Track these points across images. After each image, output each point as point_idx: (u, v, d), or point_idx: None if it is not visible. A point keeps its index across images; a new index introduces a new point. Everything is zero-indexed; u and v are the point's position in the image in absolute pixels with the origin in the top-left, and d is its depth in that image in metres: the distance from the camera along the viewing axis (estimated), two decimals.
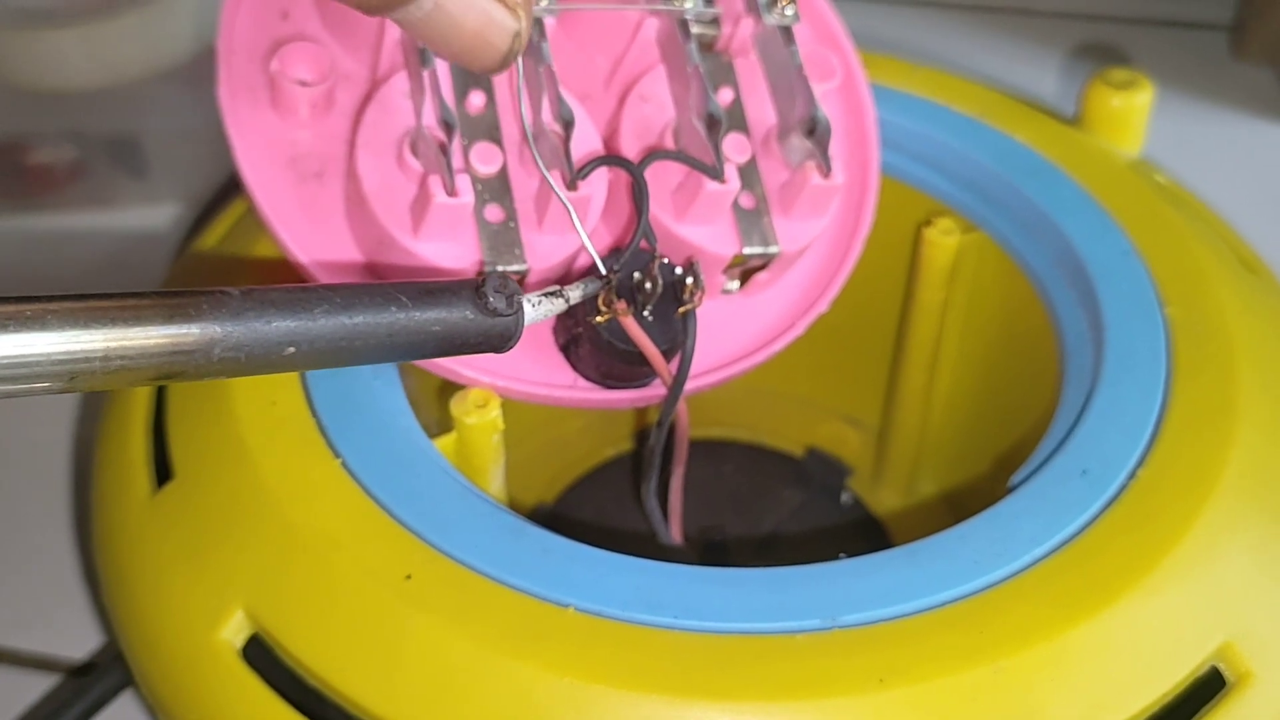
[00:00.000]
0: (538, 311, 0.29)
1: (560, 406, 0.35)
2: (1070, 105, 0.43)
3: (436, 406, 0.36)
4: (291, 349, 0.25)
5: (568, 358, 0.35)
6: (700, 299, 0.33)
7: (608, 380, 0.35)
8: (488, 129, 0.34)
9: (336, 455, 0.31)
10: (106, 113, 0.62)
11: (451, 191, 0.32)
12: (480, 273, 0.33)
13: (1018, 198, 0.39)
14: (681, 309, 0.33)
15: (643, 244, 0.32)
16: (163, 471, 0.33)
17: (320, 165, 0.35)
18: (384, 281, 0.27)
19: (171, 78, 0.61)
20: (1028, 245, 0.39)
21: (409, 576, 0.28)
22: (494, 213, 0.33)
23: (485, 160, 0.34)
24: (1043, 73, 0.64)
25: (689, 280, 0.33)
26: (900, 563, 0.29)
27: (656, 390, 0.35)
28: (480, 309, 0.27)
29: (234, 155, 0.34)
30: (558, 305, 0.29)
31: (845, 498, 0.47)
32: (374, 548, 0.29)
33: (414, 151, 0.33)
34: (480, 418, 0.33)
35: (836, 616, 0.28)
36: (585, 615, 0.28)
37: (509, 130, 0.34)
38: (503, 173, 0.34)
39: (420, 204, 0.32)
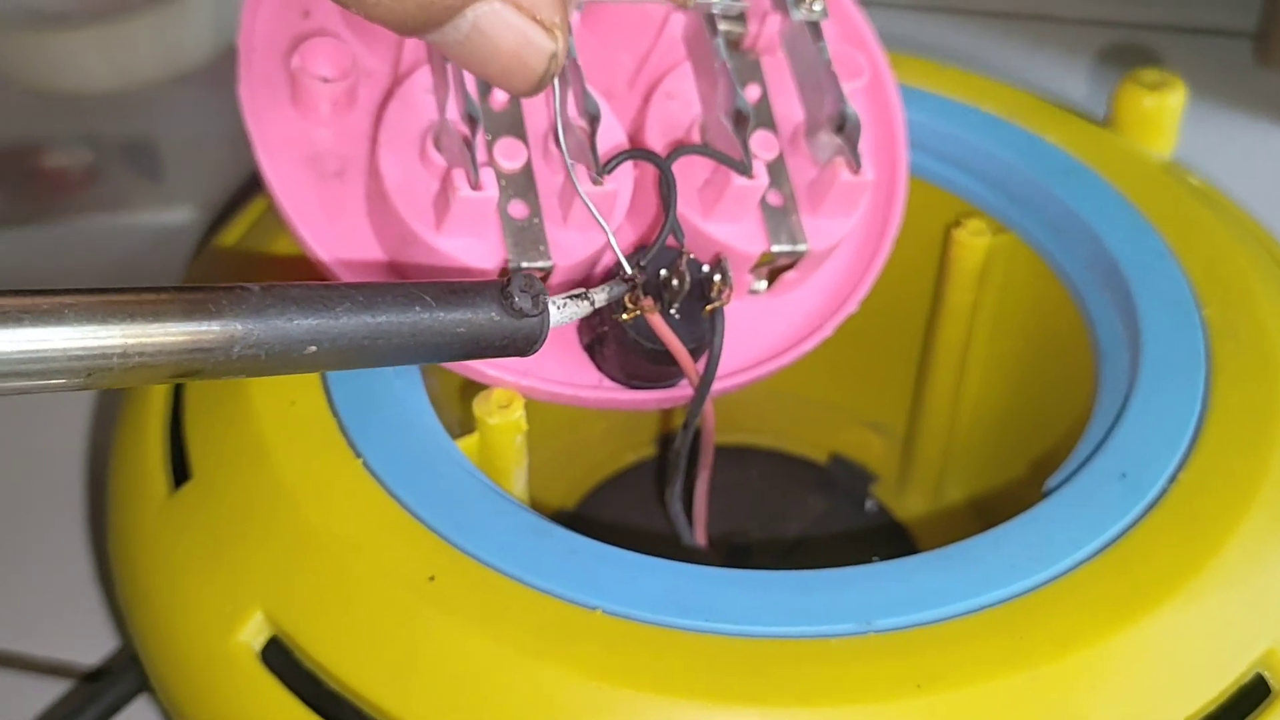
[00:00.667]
0: (563, 314, 0.28)
1: (585, 407, 0.35)
2: (1097, 112, 0.42)
3: (459, 406, 0.36)
4: (313, 348, 0.24)
5: (592, 357, 0.34)
6: (728, 297, 0.32)
7: (633, 381, 0.34)
8: (511, 124, 0.34)
9: (358, 455, 0.31)
10: (122, 116, 0.62)
11: (476, 185, 0.31)
12: (505, 271, 0.32)
13: (1049, 198, 0.38)
14: (709, 307, 0.32)
15: (670, 241, 0.32)
16: (180, 472, 0.33)
17: (341, 164, 0.35)
18: (408, 280, 0.26)
19: (188, 80, 0.61)
20: (1059, 247, 0.38)
21: (432, 578, 0.28)
22: (518, 209, 0.33)
23: (509, 155, 0.33)
24: (1067, 80, 0.64)
25: (717, 278, 0.32)
26: (935, 566, 0.28)
27: (683, 391, 0.34)
28: (506, 310, 0.26)
29: (255, 153, 0.34)
30: (583, 308, 0.29)
31: (870, 505, 0.47)
32: (396, 549, 0.29)
33: (437, 146, 0.33)
34: (503, 418, 0.32)
35: (871, 621, 0.27)
36: (613, 617, 0.27)
37: (533, 125, 0.34)
38: (527, 168, 0.33)
39: (443, 199, 0.32)
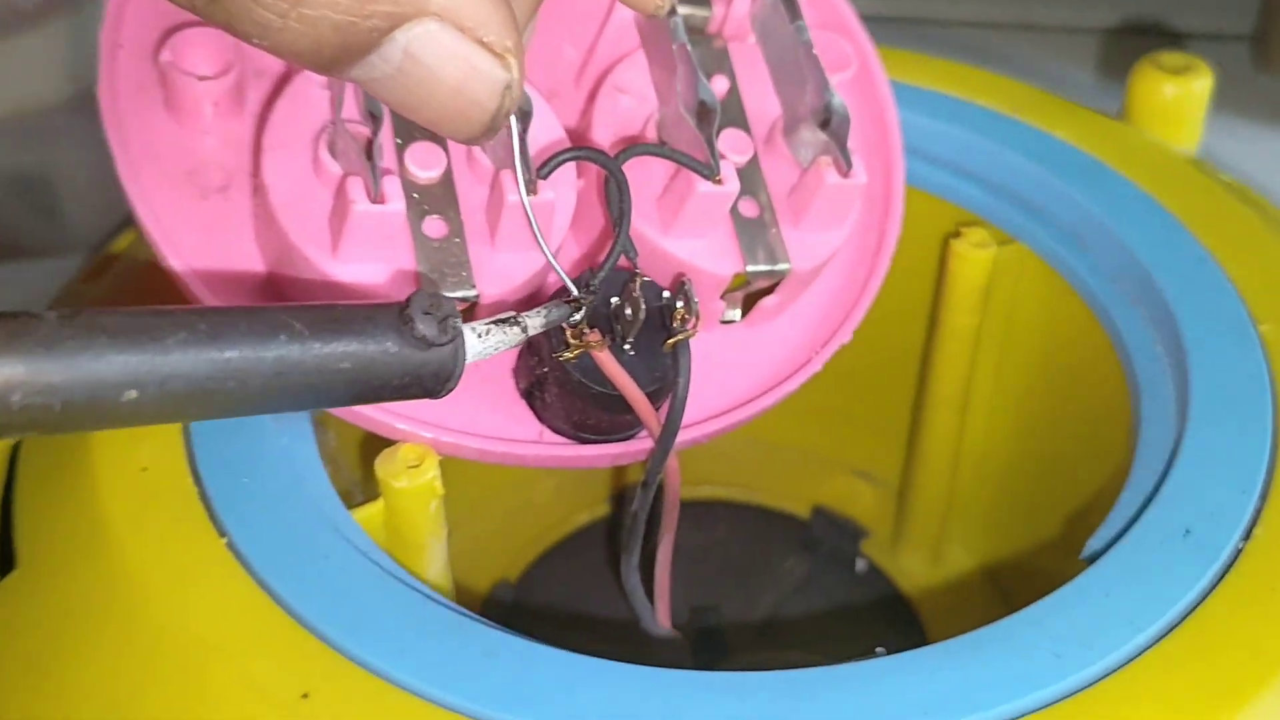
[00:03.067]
0: (485, 344, 0.22)
1: (523, 466, 0.28)
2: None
3: (360, 467, 0.29)
4: (133, 393, 0.18)
5: (531, 405, 0.28)
6: (694, 327, 0.26)
7: (581, 433, 0.28)
8: None
9: (222, 534, 0.24)
10: (11, 144, 0.55)
11: (376, 197, 0.25)
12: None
13: (1062, 201, 0.33)
14: (671, 341, 0.26)
15: (622, 261, 0.26)
16: (4, 559, 0.26)
17: (226, 177, 0.29)
18: (271, 305, 0.20)
19: (90, 105, 0.55)
20: (1077, 257, 0.32)
21: (306, 695, 0.21)
22: (434, 226, 0.27)
23: (424, 163, 0.27)
24: (1062, 90, 0.59)
25: (679, 305, 0.26)
26: (959, 659, 0.22)
27: (641, 444, 0.28)
28: (405, 339, 0.20)
29: (116, 169, 0.28)
30: (512, 336, 0.23)
31: (860, 565, 0.41)
32: (263, 656, 0.22)
33: (332, 151, 0.27)
34: (413, 481, 0.26)
35: None
36: None
37: None
38: (446, 178, 0.27)
39: (338, 214, 0.26)
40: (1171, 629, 0.23)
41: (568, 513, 0.42)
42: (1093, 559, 0.25)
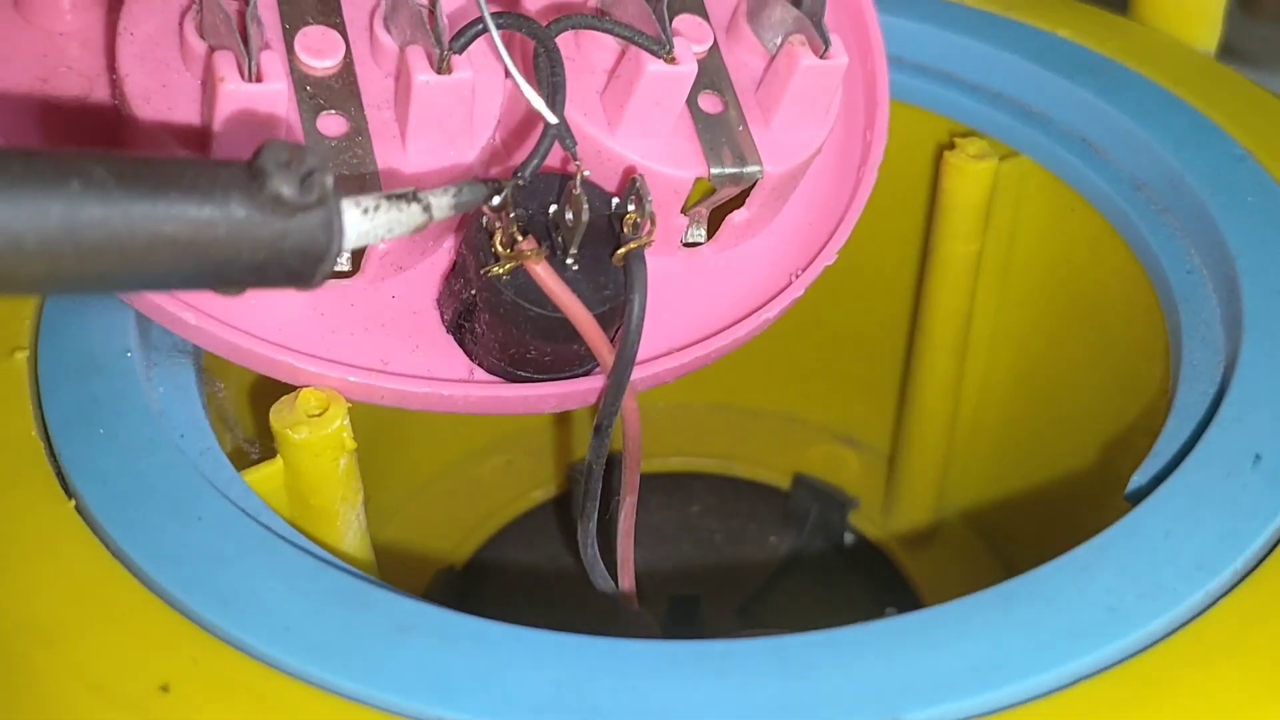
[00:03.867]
0: (373, 222, 0.17)
1: (451, 411, 0.24)
2: None
3: (256, 422, 0.25)
4: None
5: (459, 339, 0.23)
6: (650, 233, 0.22)
7: (519, 369, 0.23)
8: (319, 6, 0.23)
9: (70, 495, 0.19)
10: None
11: (251, 74, 0.21)
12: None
13: (1071, 104, 0.29)
14: (621, 251, 0.22)
15: (562, 162, 0.21)
16: None
17: (86, 85, 0.24)
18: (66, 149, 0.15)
19: None
20: (1091, 165, 0.28)
21: (165, 687, 0.17)
22: (332, 124, 0.22)
23: (318, 50, 0.23)
24: None
25: (630, 209, 0.22)
26: (990, 617, 0.18)
27: (593, 382, 0.24)
28: (256, 201, 0.16)
29: None
30: (411, 216, 0.18)
31: (849, 538, 0.36)
32: (113, 640, 0.17)
33: (200, 31, 0.22)
34: (315, 431, 0.21)
35: (899, 714, 0.16)
36: None
37: (354, 10, 0.23)
38: (346, 69, 0.23)
39: (207, 99, 0.21)
40: (1248, 573, 0.19)
41: (521, 489, 0.37)
42: (1138, 498, 0.20)
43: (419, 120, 0.22)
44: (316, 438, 0.22)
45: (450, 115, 0.22)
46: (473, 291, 0.22)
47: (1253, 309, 0.23)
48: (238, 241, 0.15)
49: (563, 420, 0.38)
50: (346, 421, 0.22)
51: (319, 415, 0.22)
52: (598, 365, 0.23)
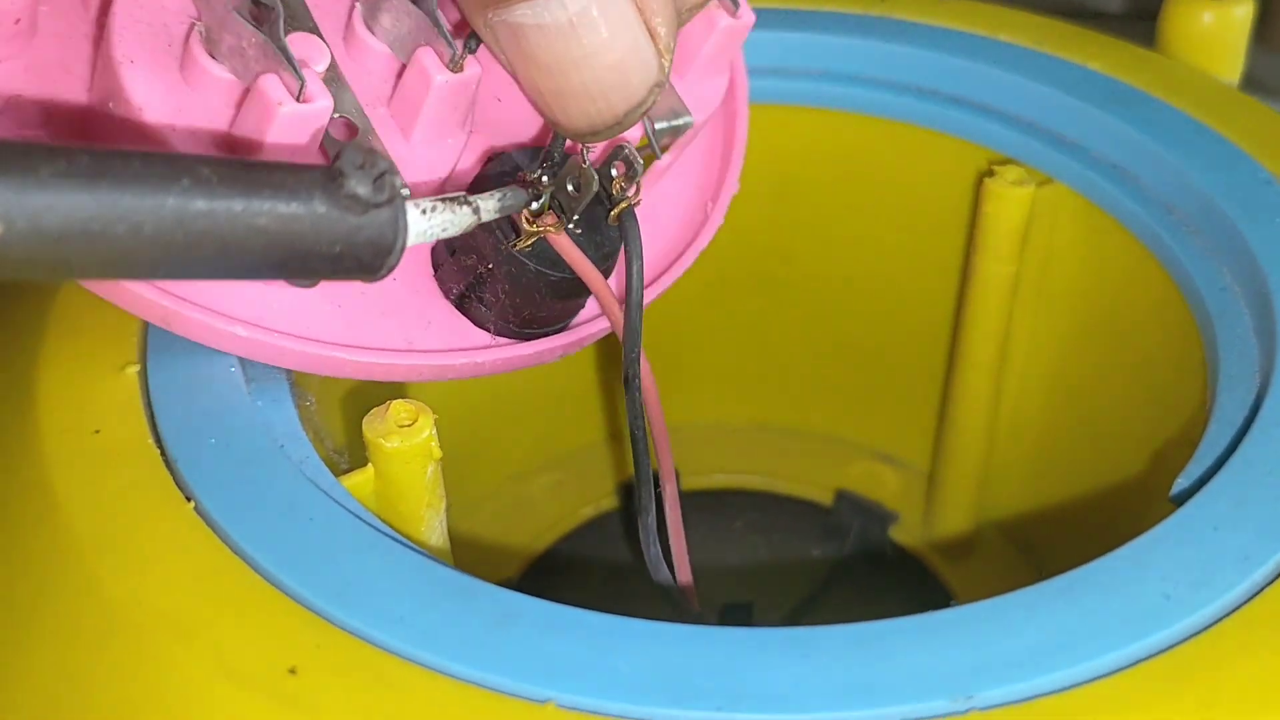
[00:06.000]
0: (430, 222, 0.20)
1: (479, 375, 0.25)
2: None
3: (345, 433, 0.26)
4: None
5: (467, 311, 0.25)
6: (638, 192, 0.24)
7: (527, 328, 0.26)
8: (289, 13, 0.23)
9: (188, 497, 0.21)
10: None
11: (302, 94, 0.21)
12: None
13: (1104, 134, 0.30)
14: (616, 211, 0.24)
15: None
16: None
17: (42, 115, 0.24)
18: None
19: None
20: (1125, 190, 0.30)
21: (293, 670, 0.18)
22: (339, 127, 0.24)
23: (310, 58, 0.23)
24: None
25: (616, 171, 0.24)
26: (1055, 604, 0.19)
27: (590, 327, 0.26)
28: (335, 198, 0.18)
29: None
30: (461, 218, 0.20)
31: (890, 552, 0.37)
32: (239, 630, 0.19)
33: (214, 54, 0.22)
34: (406, 441, 0.23)
35: (972, 693, 0.18)
36: (575, 714, 0.18)
37: (320, 16, 0.24)
38: (334, 72, 0.23)
39: (252, 123, 0.22)
40: None
41: (570, 507, 0.38)
42: (1182, 500, 0.22)
43: (433, 116, 0.23)
44: (406, 446, 0.23)
45: (459, 108, 0.24)
46: (489, 266, 0.24)
47: None
48: (319, 234, 0.17)
49: (611, 439, 0.40)
50: (434, 431, 0.23)
51: (409, 425, 0.23)
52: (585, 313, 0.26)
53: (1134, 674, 0.18)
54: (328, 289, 0.24)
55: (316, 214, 0.17)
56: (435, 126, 0.24)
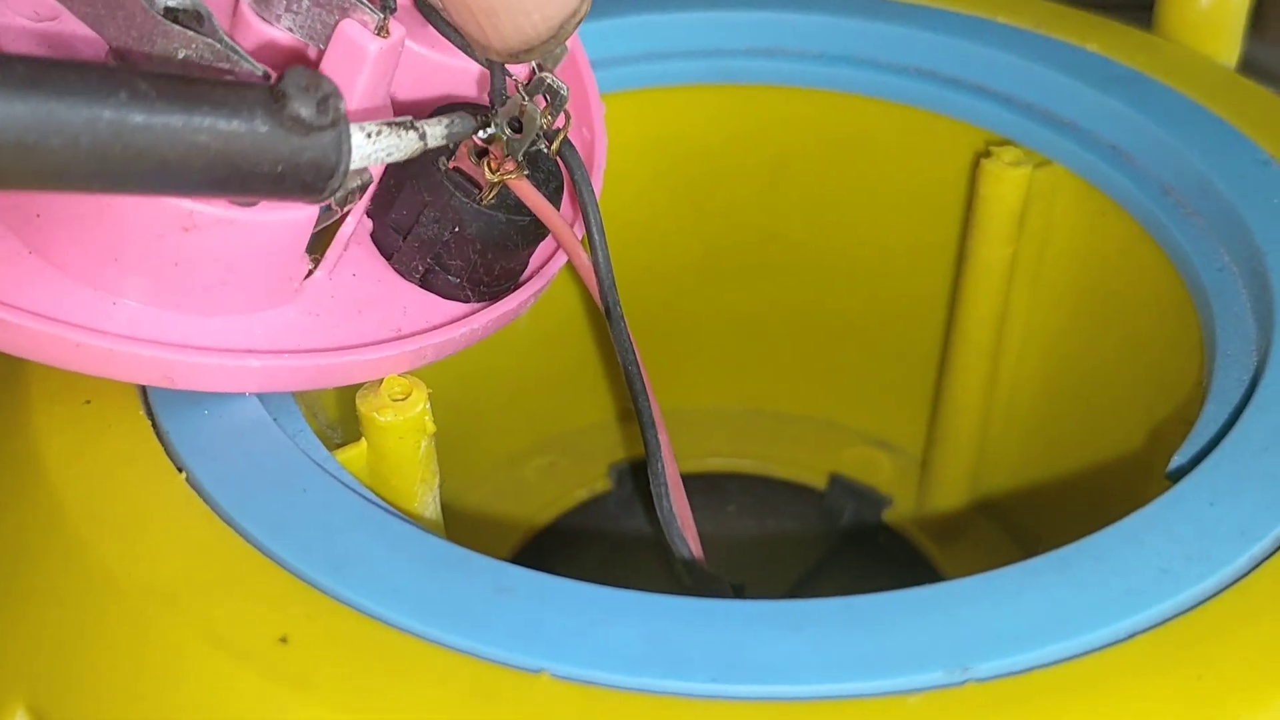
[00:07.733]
0: (375, 146, 0.20)
1: (480, 340, 0.25)
2: None
3: (338, 408, 0.26)
4: None
5: (436, 287, 0.25)
6: (568, 121, 0.24)
7: (498, 285, 0.26)
8: None
9: (180, 468, 0.21)
10: None
11: (384, 29, 0.22)
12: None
13: (1102, 114, 0.30)
14: (556, 143, 0.25)
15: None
16: None
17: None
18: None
19: None
20: (1122, 171, 0.30)
21: (284, 639, 0.18)
22: None
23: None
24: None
25: (541, 102, 0.24)
26: (1050, 578, 0.19)
27: (552, 266, 0.26)
28: (278, 118, 0.17)
29: None
30: (407, 142, 0.20)
31: (883, 535, 0.37)
32: (231, 599, 0.19)
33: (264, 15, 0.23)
34: (400, 415, 0.23)
35: (967, 665, 0.18)
36: (568, 684, 0.17)
37: None
38: None
39: (345, 65, 0.22)
40: None
41: (564, 489, 0.38)
42: (1178, 476, 0.22)
43: (367, 87, 0.23)
44: (400, 420, 0.23)
45: (388, 75, 0.23)
46: (455, 229, 0.24)
47: None
48: (261, 154, 0.17)
49: (604, 422, 0.39)
50: (428, 406, 0.23)
51: (402, 400, 0.23)
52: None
53: (1130, 647, 0.18)
54: (300, 299, 0.23)
55: (258, 133, 0.17)
56: (369, 97, 0.23)
